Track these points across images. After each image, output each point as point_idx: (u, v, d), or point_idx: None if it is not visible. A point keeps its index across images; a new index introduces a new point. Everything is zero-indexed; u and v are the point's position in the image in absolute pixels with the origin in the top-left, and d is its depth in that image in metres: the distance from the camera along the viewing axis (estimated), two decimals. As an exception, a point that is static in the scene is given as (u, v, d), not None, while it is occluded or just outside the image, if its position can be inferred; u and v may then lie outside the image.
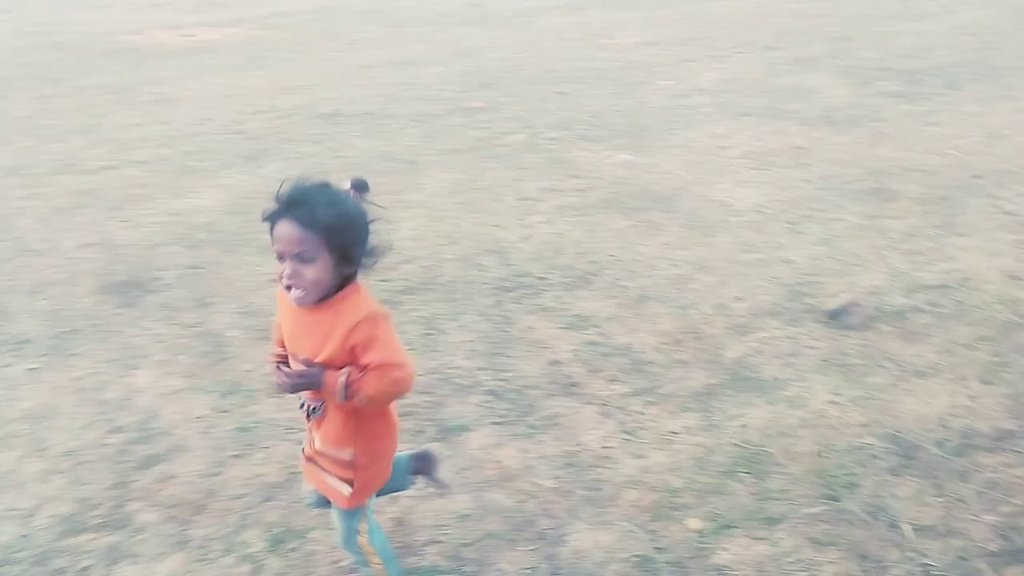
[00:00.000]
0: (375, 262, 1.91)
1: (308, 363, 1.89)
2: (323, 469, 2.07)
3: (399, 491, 2.48)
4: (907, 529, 2.48)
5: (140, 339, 3.84)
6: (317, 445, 2.06)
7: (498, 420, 3.12)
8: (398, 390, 1.90)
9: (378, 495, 2.23)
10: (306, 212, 1.79)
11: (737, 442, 2.92)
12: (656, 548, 2.46)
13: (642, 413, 3.11)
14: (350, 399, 1.85)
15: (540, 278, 4.24)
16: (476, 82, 8.83)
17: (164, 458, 2.97)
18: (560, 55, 10.13)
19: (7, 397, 3.41)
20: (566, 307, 3.94)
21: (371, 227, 1.89)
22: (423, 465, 2.39)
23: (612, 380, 3.33)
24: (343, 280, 1.87)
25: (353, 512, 2.11)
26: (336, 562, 2.46)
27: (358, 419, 1.97)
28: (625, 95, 8.01)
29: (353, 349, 1.83)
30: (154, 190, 5.92)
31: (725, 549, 2.45)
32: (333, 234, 1.79)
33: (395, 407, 2.10)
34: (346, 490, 2.04)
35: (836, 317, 3.71)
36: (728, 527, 2.53)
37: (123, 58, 11.22)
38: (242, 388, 3.39)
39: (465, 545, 2.51)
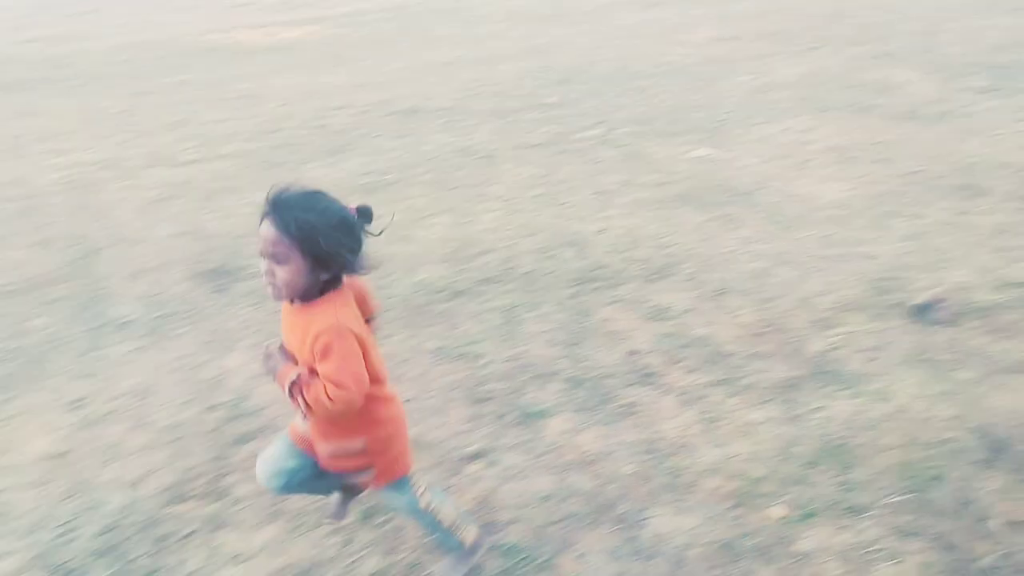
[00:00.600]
0: (363, 271, 1.96)
1: (289, 355, 2.00)
2: (346, 463, 2.15)
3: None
4: (996, 522, 2.45)
5: (231, 324, 4.00)
6: (321, 449, 2.15)
7: (577, 407, 3.17)
8: (337, 408, 1.91)
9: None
10: (283, 216, 1.86)
11: (820, 434, 2.91)
12: (738, 534, 2.48)
13: (722, 403, 3.12)
14: (292, 399, 1.93)
15: (617, 270, 4.27)
16: (551, 78, 8.88)
17: (257, 436, 3.10)
18: (636, 51, 10.11)
19: (112, 374, 3.60)
20: (644, 299, 3.96)
21: (355, 237, 1.92)
22: (469, 552, 2.40)
23: (691, 371, 3.35)
24: (325, 284, 1.94)
25: (396, 484, 2.19)
26: (423, 537, 2.54)
27: (358, 414, 2.02)
28: (702, 90, 7.96)
29: (316, 356, 1.91)
30: (241, 183, 6.14)
31: (808, 537, 2.45)
32: (305, 241, 1.85)
33: (394, 391, 2.15)
34: (370, 473, 2.15)
35: (922, 312, 3.65)
36: (811, 515, 2.53)
37: (209, 57, 11.61)
38: (330, 371, 3.50)
39: (547, 525, 2.57)
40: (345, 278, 1.99)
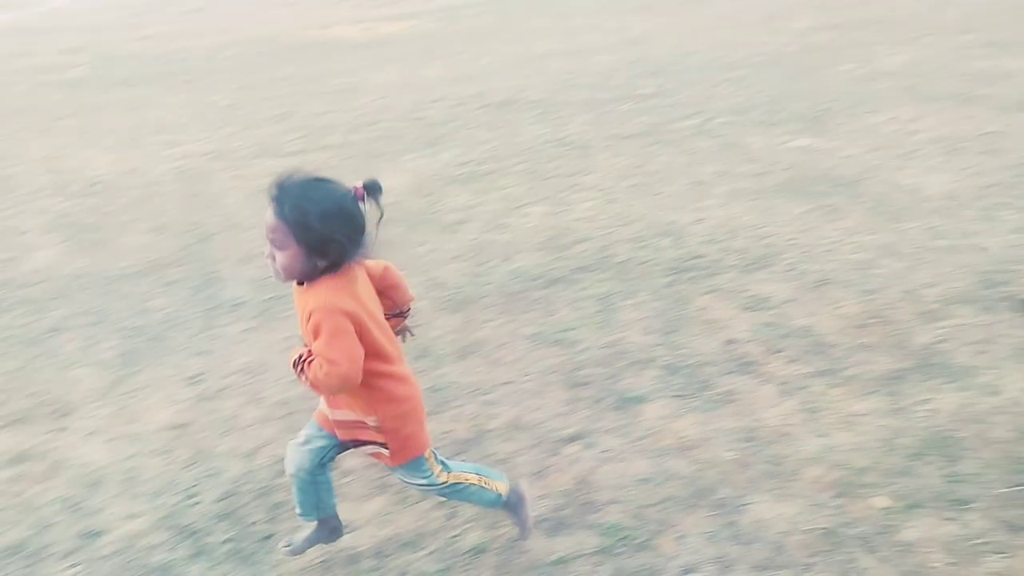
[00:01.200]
0: (362, 256, 2.02)
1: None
2: (358, 432, 2.21)
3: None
4: (1116, 523, 2.37)
5: (337, 306, 4.15)
6: (329, 413, 2.22)
7: (675, 394, 3.18)
8: (330, 384, 1.98)
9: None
10: (281, 204, 1.93)
11: (926, 426, 2.85)
12: (840, 522, 2.46)
13: (824, 394, 3.09)
14: (299, 378, 2.01)
15: (715, 260, 4.26)
16: (646, 69, 8.83)
17: (364, 412, 3.23)
18: (732, 40, 9.96)
19: (227, 352, 3.79)
20: (742, 288, 3.94)
21: (354, 225, 1.97)
22: (512, 501, 2.45)
23: (792, 361, 3.32)
24: (325, 269, 1.99)
25: (412, 464, 2.24)
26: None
27: (370, 390, 2.10)
28: (803, 79, 7.80)
29: (310, 335, 1.99)
30: (343, 173, 6.26)
31: (913, 527, 2.42)
32: (300, 229, 1.91)
33: (407, 371, 2.19)
34: (384, 451, 2.21)
35: (1036, 306, 3.52)
36: (916, 506, 2.49)
37: (310, 51, 11.97)
38: (432, 352, 3.61)
39: (646, 506, 2.61)
40: (355, 264, 2.04)
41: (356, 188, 2.00)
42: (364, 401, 2.14)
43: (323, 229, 1.91)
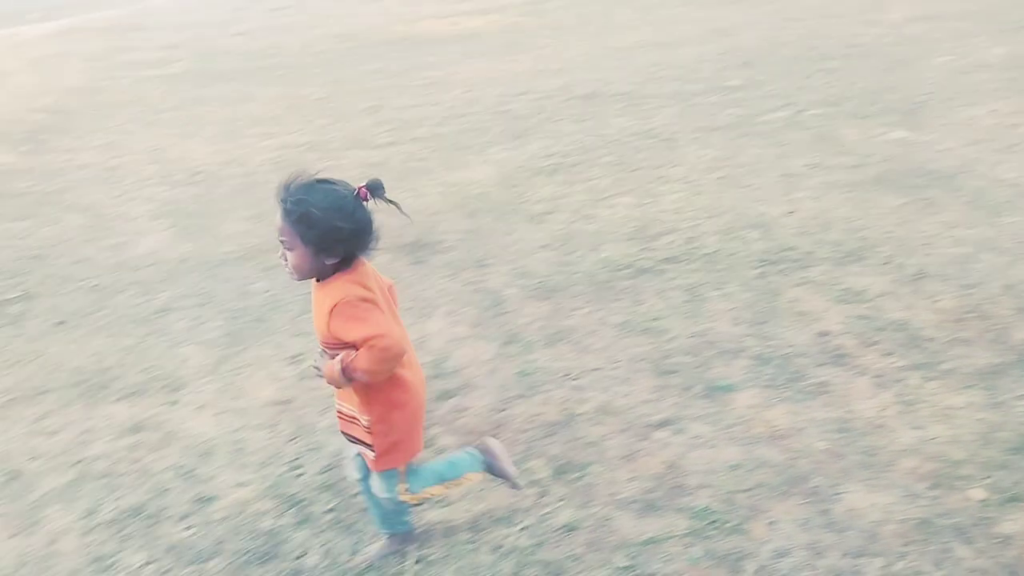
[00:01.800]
0: (368, 251, 2.09)
1: (321, 351, 2.13)
2: (352, 427, 2.27)
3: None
4: None
5: (429, 292, 4.27)
6: (337, 404, 2.28)
7: (765, 384, 3.19)
8: (388, 356, 2.03)
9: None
10: (284, 207, 2.00)
11: (1027, 422, 2.79)
12: (936, 513, 2.44)
13: (920, 387, 3.05)
14: (351, 380, 2.06)
15: (807, 252, 4.21)
16: (734, 61, 8.73)
17: (457, 393, 3.33)
18: (824, 31, 9.75)
19: (324, 334, 3.95)
20: (835, 281, 3.90)
21: (355, 222, 2.02)
22: (488, 459, 2.48)
23: (887, 354, 3.28)
24: (335, 266, 2.06)
25: (386, 474, 2.29)
26: (614, 494, 2.67)
27: (367, 388, 2.14)
28: (898, 71, 7.60)
29: (335, 333, 2.03)
30: (432, 164, 6.47)
31: (1011, 520, 2.38)
32: (303, 229, 1.99)
33: (418, 380, 2.24)
34: (370, 453, 2.25)
35: None
36: (1015, 500, 2.45)
37: (398, 46, 12.19)
38: (521, 338, 3.69)
39: (737, 492, 2.63)
40: (365, 260, 2.12)
41: (360, 188, 2.06)
42: (362, 398, 2.20)
43: (325, 228, 1.99)
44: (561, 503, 2.66)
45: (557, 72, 9.25)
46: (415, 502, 2.40)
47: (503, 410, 3.19)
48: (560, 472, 2.80)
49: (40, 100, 10.37)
